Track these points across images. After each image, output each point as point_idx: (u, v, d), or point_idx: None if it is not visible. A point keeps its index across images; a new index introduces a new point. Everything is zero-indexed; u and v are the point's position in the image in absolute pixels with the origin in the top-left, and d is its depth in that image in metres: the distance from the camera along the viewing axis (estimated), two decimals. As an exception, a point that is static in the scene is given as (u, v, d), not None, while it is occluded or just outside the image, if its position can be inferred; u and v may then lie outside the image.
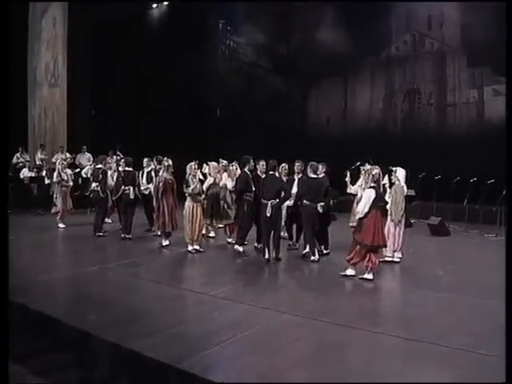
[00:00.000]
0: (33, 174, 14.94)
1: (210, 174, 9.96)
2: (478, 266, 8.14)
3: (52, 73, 17.84)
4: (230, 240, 9.67)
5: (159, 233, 9.64)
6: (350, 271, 7.07)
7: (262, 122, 17.21)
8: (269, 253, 8.09)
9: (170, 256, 8.90)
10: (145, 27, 18.48)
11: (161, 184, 9.15)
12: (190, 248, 8.82)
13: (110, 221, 11.72)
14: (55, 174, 11.68)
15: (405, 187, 8.15)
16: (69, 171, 12.63)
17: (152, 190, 9.58)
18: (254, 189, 8.58)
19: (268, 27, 17.92)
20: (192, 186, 8.73)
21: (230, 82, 19.05)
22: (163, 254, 8.99)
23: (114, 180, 10.30)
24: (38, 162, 15.95)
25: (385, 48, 16.08)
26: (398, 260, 8.16)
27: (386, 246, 7.13)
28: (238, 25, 19.06)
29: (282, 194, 8.13)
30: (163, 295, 6.25)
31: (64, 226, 11.35)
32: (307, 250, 8.29)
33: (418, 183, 12.93)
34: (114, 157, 15.39)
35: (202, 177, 9.84)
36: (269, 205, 8.02)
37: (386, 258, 8.07)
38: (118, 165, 13.91)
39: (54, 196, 11.63)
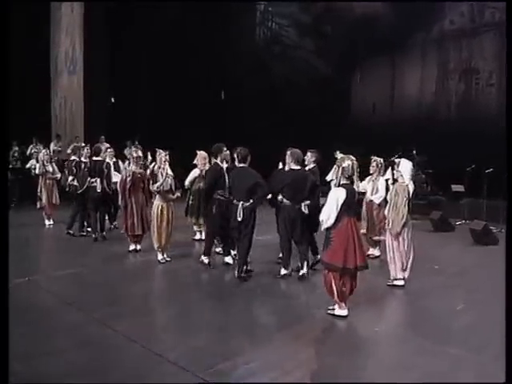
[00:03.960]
0: (41, 166, 14.11)
1: (197, 165, 8.43)
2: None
3: (71, 60, 17.03)
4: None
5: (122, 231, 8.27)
6: (338, 311, 5.05)
7: (302, 108, 15.83)
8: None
9: (126, 266, 7.36)
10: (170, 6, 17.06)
11: (128, 179, 7.71)
12: (159, 257, 7.34)
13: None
14: (38, 166, 10.55)
15: (410, 186, 5.95)
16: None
17: (118, 185, 8.09)
18: (228, 185, 6.80)
19: (310, 6, 16.89)
20: (158, 183, 7.13)
21: (270, 65, 17.91)
22: (121, 263, 7.43)
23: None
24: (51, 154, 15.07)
25: (437, 22, 14.28)
26: (401, 284, 6.04)
27: (367, 267, 5.00)
28: (279, 6, 18.22)
29: (259, 192, 6.33)
30: (56, 327, 4.67)
31: (50, 222, 10.29)
32: (304, 270, 6.45)
33: (468, 177, 11.23)
34: (133, 147, 14.41)
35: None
36: (240, 206, 6.26)
37: (395, 282, 6.06)
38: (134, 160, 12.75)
39: (38, 190, 10.46)
